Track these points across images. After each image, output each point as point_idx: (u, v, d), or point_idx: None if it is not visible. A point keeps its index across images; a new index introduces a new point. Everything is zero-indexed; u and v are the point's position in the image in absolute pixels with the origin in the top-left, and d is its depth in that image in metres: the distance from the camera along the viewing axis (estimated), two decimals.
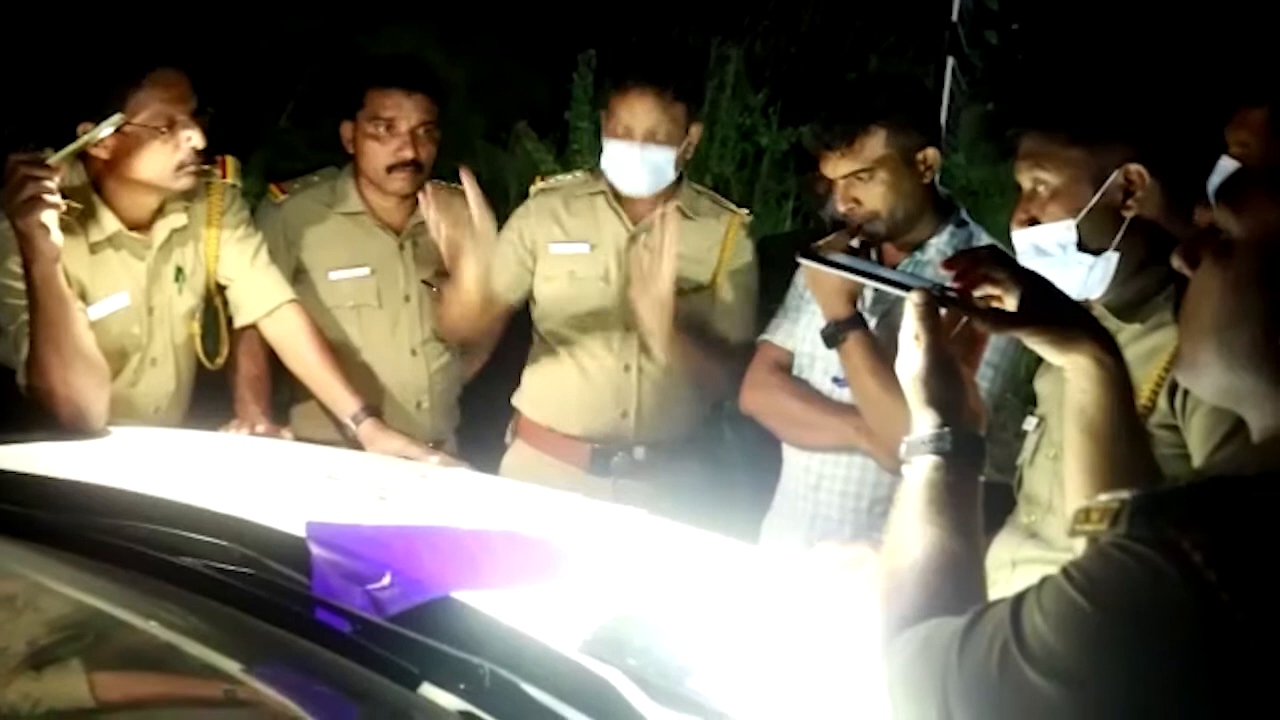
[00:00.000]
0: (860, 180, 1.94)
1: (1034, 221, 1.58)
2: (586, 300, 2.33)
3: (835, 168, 1.96)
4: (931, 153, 1.99)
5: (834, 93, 2.12)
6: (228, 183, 2.18)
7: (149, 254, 2.09)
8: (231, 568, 1.36)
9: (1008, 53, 4.95)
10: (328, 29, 4.15)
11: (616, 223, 2.34)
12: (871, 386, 1.89)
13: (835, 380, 2.05)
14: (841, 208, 1.99)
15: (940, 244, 2.00)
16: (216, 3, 3.74)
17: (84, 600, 1.33)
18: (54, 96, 2.06)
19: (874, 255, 2.03)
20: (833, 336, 1.95)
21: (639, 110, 2.19)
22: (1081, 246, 1.52)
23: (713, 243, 2.36)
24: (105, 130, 1.88)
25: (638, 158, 2.22)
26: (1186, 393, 1.37)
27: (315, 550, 1.38)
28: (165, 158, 1.98)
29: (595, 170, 2.37)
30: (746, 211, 2.46)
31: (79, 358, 1.86)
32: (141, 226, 2.08)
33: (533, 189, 2.45)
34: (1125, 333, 1.48)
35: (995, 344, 1.89)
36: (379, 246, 2.39)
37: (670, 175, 2.28)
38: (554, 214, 2.37)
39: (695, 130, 2.30)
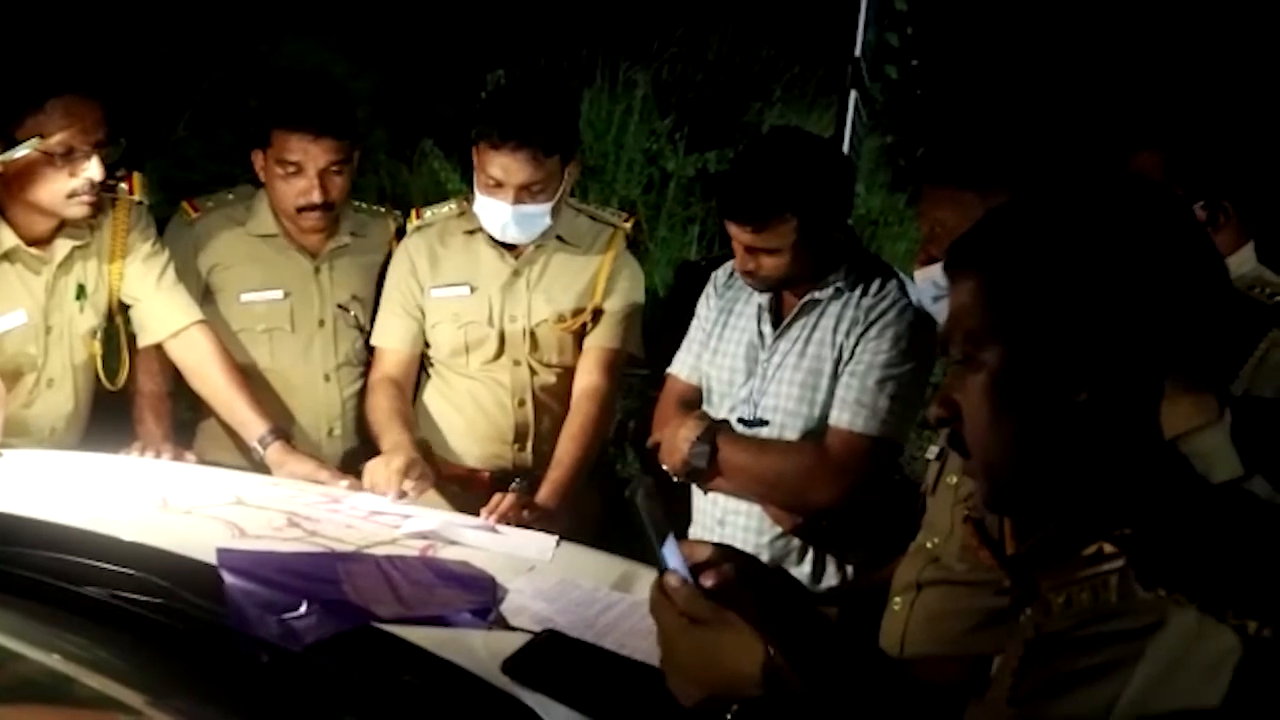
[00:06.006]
0: (764, 253, 1.94)
1: (932, 260, 1.69)
2: (473, 343, 2.29)
3: (740, 236, 1.95)
4: (837, 232, 1.99)
5: (741, 166, 1.99)
6: (134, 199, 2.12)
7: (48, 270, 2.02)
8: (138, 597, 1.33)
9: (907, 88, 5.12)
10: (227, 38, 4.06)
11: (497, 261, 2.27)
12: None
13: (741, 421, 2.04)
14: (739, 266, 2.00)
15: (837, 280, 2.00)
16: (114, 12, 3.62)
17: None
18: None
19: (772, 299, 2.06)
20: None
21: (512, 169, 2.10)
22: None
23: (595, 263, 2.32)
24: (19, 152, 1.82)
25: (510, 215, 2.14)
26: None
27: (227, 578, 1.36)
28: (58, 185, 1.91)
29: (470, 198, 2.28)
30: (628, 217, 2.40)
31: None
32: (41, 242, 2.01)
33: (409, 225, 2.37)
34: None
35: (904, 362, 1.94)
36: (294, 269, 2.32)
37: (547, 223, 2.22)
38: (432, 254, 2.29)
39: (572, 170, 2.20)
